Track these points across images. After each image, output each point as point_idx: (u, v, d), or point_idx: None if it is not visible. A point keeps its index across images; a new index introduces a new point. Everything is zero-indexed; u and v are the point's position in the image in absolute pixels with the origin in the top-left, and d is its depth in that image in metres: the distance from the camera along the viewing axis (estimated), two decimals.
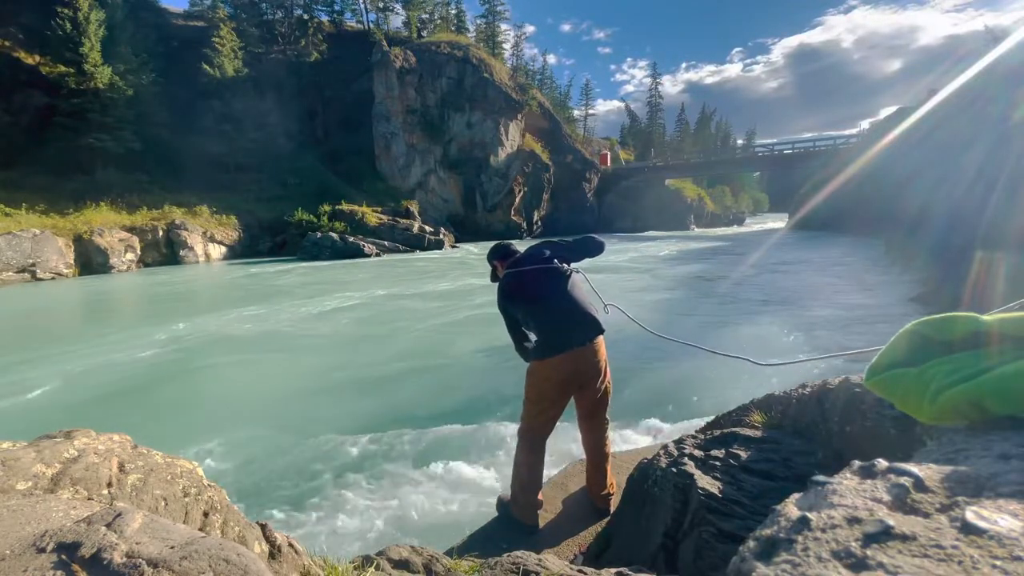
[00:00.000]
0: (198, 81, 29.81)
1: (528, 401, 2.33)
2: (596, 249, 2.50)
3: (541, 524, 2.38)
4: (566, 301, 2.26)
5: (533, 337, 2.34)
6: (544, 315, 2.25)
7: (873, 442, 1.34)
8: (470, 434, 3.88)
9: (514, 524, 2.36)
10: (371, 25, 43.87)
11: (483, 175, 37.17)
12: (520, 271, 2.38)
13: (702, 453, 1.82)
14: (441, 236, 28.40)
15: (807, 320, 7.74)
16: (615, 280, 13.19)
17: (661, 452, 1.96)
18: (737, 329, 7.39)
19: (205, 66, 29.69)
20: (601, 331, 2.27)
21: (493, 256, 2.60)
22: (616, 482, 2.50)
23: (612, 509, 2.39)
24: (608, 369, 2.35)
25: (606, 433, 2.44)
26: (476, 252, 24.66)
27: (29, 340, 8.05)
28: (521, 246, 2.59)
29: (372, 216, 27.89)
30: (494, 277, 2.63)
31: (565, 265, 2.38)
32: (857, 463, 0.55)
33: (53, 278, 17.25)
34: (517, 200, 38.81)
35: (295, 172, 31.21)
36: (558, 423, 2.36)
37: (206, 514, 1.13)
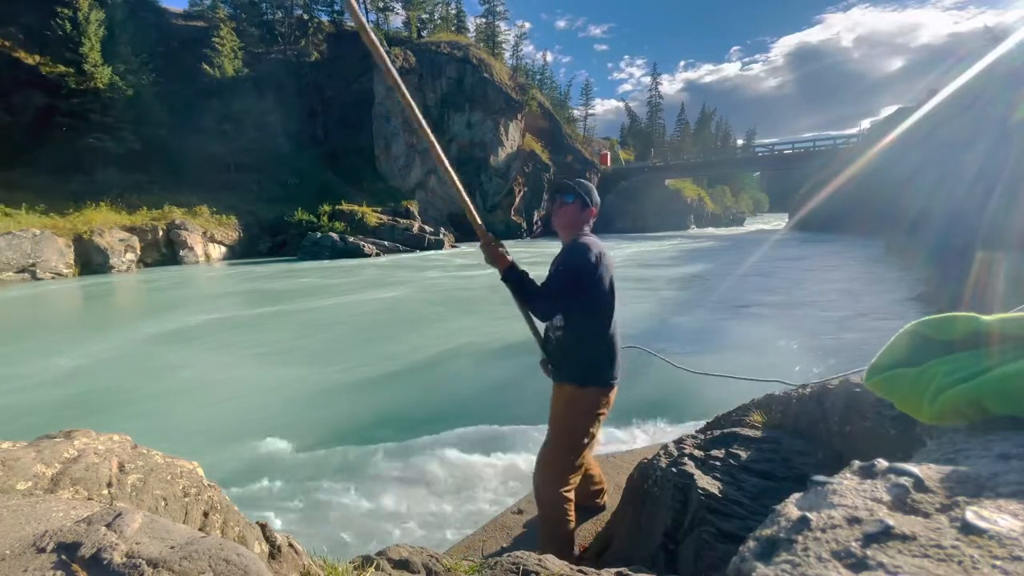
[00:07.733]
0: (198, 81, 29.80)
1: (570, 439, 1.82)
2: None
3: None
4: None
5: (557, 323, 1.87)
6: (611, 326, 1.85)
7: (873, 442, 1.34)
8: (470, 434, 3.88)
9: None
10: (371, 25, 43.80)
11: (483, 175, 37.19)
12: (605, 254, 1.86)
13: (702, 453, 1.82)
14: (441, 236, 28.40)
15: (807, 320, 7.73)
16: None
17: (661, 452, 1.96)
18: (737, 331, 7.38)
19: (205, 66, 29.68)
20: None
21: (590, 193, 1.89)
22: (614, 481, 2.50)
23: (604, 501, 2.42)
24: None
25: None
26: (473, 252, 24.65)
27: (43, 336, 8.05)
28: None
29: (372, 216, 27.91)
30: (575, 220, 1.87)
31: None
32: (857, 463, 0.55)
33: (53, 278, 17.25)
34: (517, 200, 38.84)
35: (295, 172, 31.22)
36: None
37: (206, 514, 1.13)
